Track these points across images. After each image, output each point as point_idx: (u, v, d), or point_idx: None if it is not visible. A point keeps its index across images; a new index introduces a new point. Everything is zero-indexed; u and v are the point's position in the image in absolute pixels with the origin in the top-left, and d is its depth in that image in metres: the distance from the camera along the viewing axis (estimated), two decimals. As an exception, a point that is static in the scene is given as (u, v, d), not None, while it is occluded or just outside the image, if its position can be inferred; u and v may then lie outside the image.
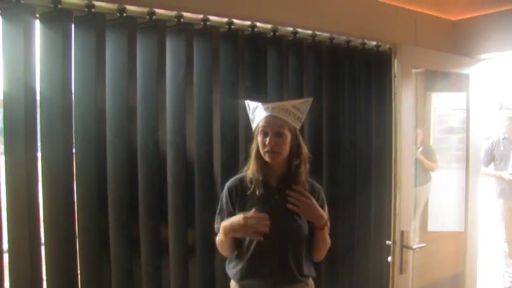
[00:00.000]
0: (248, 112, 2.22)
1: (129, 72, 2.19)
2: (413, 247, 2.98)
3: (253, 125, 2.18)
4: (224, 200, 2.18)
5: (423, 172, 4.44)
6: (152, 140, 2.27)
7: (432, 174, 4.41)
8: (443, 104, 4.10)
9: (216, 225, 2.19)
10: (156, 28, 2.27)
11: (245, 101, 2.26)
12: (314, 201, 2.11)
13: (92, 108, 2.11)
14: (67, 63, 2.04)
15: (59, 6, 2.01)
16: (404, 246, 2.93)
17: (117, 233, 2.22)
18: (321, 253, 2.24)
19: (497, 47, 3.39)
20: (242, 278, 2.13)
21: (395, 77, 2.98)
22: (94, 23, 2.10)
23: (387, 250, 2.92)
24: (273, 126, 2.08)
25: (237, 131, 2.52)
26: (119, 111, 2.20)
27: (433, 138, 4.31)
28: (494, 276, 5.15)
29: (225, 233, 2.07)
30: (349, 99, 3.05)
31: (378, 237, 3.20)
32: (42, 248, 2.04)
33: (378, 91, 3.15)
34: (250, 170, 2.16)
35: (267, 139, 2.07)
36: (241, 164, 2.52)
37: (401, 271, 2.93)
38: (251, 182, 2.14)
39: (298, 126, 2.14)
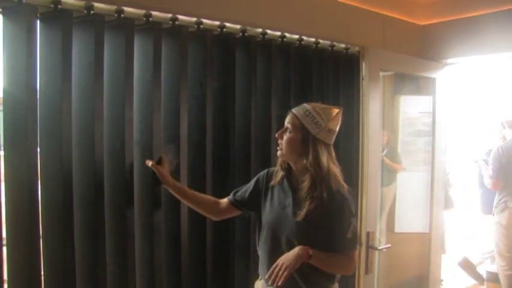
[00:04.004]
0: None
1: (96, 71, 2.15)
2: (379, 248, 3.02)
3: None
4: (252, 180, 2.34)
5: (388, 173, 4.50)
6: (119, 140, 2.25)
7: (397, 175, 4.46)
8: (411, 107, 4.16)
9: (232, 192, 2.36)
10: (124, 27, 2.24)
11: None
12: (283, 258, 2.00)
13: (57, 107, 2.07)
14: (32, 61, 1.99)
15: (23, 1, 1.96)
16: (370, 247, 2.97)
17: (83, 233, 2.18)
18: (330, 270, 2.16)
19: (463, 52, 3.47)
20: (260, 269, 2.25)
21: (363, 79, 3.03)
22: (60, 19, 2.06)
23: (353, 251, 2.95)
24: (285, 122, 2.14)
25: (205, 131, 2.51)
26: (85, 110, 2.17)
27: (401, 141, 4.37)
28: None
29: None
30: (318, 100, 3.06)
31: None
32: (4, 249, 2.01)
33: (346, 93, 3.18)
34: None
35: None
36: (208, 165, 2.52)
37: (367, 271, 2.98)
38: (276, 176, 2.22)
39: (314, 132, 2.09)
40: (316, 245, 2.05)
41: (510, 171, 4.65)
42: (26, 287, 2.03)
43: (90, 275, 2.21)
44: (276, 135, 2.15)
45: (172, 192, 2.29)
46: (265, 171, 2.32)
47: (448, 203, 5.20)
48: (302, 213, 2.05)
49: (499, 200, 4.71)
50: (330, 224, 2.09)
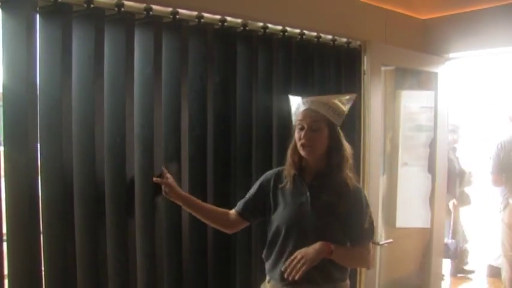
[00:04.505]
0: (291, 107, 2.23)
1: (96, 65, 2.14)
2: (381, 243, 3.01)
3: (293, 120, 2.18)
4: (255, 185, 2.25)
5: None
6: (119, 134, 2.23)
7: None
8: (412, 102, 4.15)
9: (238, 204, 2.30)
10: (125, 21, 2.23)
11: (288, 96, 2.25)
12: (302, 251, 1.98)
13: (58, 101, 2.06)
14: (31, 55, 1.97)
15: (23, -5, 1.95)
16: (372, 242, 2.95)
17: (83, 227, 2.17)
18: (350, 265, 2.22)
19: (466, 46, 3.45)
20: (269, 270, 2.20)
21: (364, 74, 3.01)
22: (60, 13, 2.05)
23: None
24: (308, 120, 2.07)
25: (205, 125, 2.50)
26: (86, 105, 2.15)
27: (402, 136, 4.36)
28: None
29: None
30: (319, 95, 3.05)
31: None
32: (4, 244, 2.00)
33: (348, 88, 3.15)
34: (286, 165, 2.17)
35: (302, 133, 2.06)
36: (209, 159, 2.51)
37: (368, 267, 2.96)
38: (286, 176, 2.16)
39: (338, 123, 2.10)
40: (336, 238, 2.06)
41: (508, 166, 4.60)
42: (27, 282, 2.02)
43: (91, 269, 2.20)
44: (302, 135, 2.06)
45: (181, 204, 2.26)
46: (270, 174, 2.26)
47: (465, 200, 5.20)
48: (340, 208, 2.06)
49: (503, 197, 4.66)
50: (349, 215, 2.10)
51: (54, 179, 2.08)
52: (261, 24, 2.72)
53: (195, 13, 2.45)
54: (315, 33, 2.97)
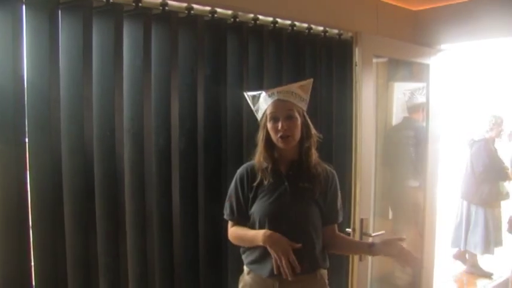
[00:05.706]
0: (250, 103, 2.21)
1: (84, 58, 2.12)
2: (373, 234, 3.01)
3: (259, 115, 2.17)
4: (233, 186, 2.20)
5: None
6: (109, 127, 2.22)
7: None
8: (404, 94, 4.14)
9: (225, 212, 2.23)
10: (113, 12, 2.20)
11: (244, 93, 2.24)
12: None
13: (46, 95, 2.04)
14: (18, 48, 1.95)
15: (8, -13, 1.92)
16: (364, 234, 2.96)
17: (73, 223, 2.16)
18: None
19: (457, 37, 3.44)
20: (251, 262, 2.17)
21: (356, 65, 2.99)
22: (47, 5, 2.02)
23: (348, 238, 2.94)
24: (282, 110, 2.07)
25: (196, 118, 2.48)
26: (74, 98, 2.13)
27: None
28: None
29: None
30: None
31: (338, 225, 3.21)
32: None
33: (339, 79, 3.15)
34: (257, 160, 2.15)
35: (279, 124, 2.05)
36: (200, 152, 2.49)
37: (360, 258, 2.97)
38: (259, 170, 2.14)
39: (304, 108, 2.14)
40: (317, 223, 2.12)
41: None
42: (16, 278, 2.00)
43: (82, 264, 2.18)
44: (280, 126, 2.04)
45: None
46: (245, 170, 2.20)
47: (504, 196, 5.20)
48: (317, 191, 2.11)
49: None
50: (326, 197, 2.15)
51: (43, 173, 2.06)
52: (251, 15, 2.69)
53: (184, 4, 2.42)
54: (306, 25, 2.95)
